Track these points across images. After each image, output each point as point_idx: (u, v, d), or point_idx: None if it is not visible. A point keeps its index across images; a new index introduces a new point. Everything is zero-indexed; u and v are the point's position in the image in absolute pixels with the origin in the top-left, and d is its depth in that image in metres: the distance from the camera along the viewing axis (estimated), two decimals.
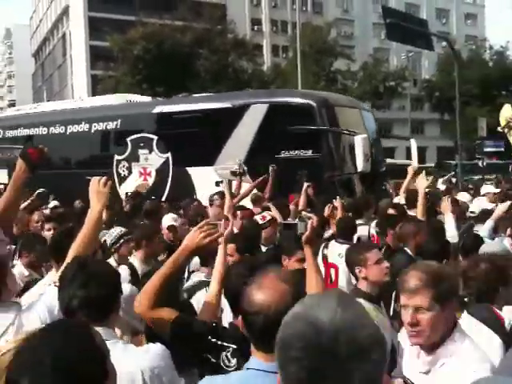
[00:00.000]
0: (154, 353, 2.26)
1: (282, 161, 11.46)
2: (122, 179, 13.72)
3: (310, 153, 11.25)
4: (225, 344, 2.36)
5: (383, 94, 47.37)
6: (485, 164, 32.80)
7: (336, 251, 5.95)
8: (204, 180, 12.24)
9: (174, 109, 13.06)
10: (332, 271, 5.99)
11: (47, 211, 9.46)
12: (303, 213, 7.86)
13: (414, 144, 12.92)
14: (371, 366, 1.11)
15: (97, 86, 44.98)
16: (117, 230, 5.18)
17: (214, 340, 2.37)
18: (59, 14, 56.59)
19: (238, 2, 53.01)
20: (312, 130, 11.12)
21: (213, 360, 2.33)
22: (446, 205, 6.18)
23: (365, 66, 48.95)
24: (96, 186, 2.97)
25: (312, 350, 1.09)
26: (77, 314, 2.20)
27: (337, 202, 6.99)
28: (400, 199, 7.74)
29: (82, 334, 1.40)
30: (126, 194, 12.49)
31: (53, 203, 10.06)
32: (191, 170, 12.66)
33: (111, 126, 13.78)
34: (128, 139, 13.49)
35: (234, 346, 2.29)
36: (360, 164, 10.67)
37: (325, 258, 6.09)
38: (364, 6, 58.34)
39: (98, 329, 1.83)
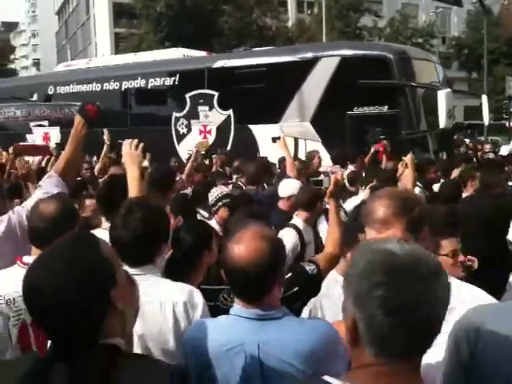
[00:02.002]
0: (187, 289, 2.36)
1: (355, 117, 11.06)
2: (181, 137, 13.36)
3: (385, 109, 10.78)
4: (217, 288, 2.64)
5: None
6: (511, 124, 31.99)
7: None
8: (268, 138, 11.84)
9: (237, 63, 12.57)
10: None
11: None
12: (328, 168, 7.51)
13: (485, 100, 12.37)
14: (444, 285, 1.22)
15: (120, 44, 44.21)
16: (217, 192, 4.85)
17: (204, 287, 2.61)
18: None
19: None
20: (391, 84, 10.63)
21: (211, 303, 2.54)
22: None
23: (392, 22, 47.53)
24: (128, 149, 2.96)
25: (396, 272, 1.19)
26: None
27: (408, 158, 6.42)
28: None
29: (89, 246, 1.51)
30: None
31: None
32: (254, 128, 12.26)
33: (169, 81, 13.34)
34: (187, 96, 13.07)
35: (228, 287, 2.37)
36: (443, 120, 10.20)
37: None
38: None
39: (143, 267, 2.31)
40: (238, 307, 1.97)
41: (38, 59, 74.23)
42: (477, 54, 42.67)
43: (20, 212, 2.71)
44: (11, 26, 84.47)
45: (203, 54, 15.27)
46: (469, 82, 51.87)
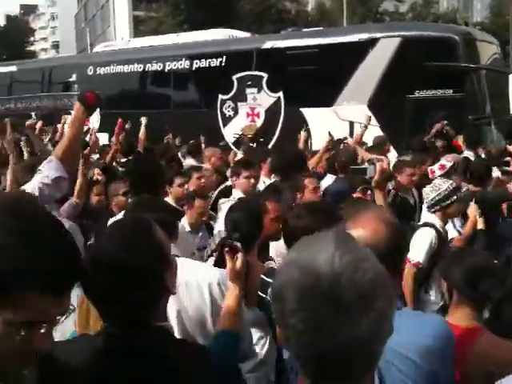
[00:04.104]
0: (218, 271, 2.43)
1: (416, 101, 10.60)
2: (227, 120, 12.94)
3: (450, 92, 10.30)
4: (269, 280, 2.56)
5: None
6: None
7: None
8: (321, 122, 11.39)
9: (288, 44, 12.09)
10: None
11: None
12: (373, 156, 7.10)
13: None
14: (376, 313, 1.01)
15: (139, 27, 43.84)
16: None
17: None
18: None
19: None
20: (457, 67, 10.13)
21: (263, 295, 2.62)
22: None
23: (414, 6, 46.84)
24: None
25: (310, 299, 1.00)
26: None
27: None
28: None
29: (144, 228, 1.58)
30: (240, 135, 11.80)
31: None
32: (306, 111, 11.80)
33: (215, 63, 12.89)
34: (234, 77, 12.63)
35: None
36: None
37: None
38: None
39: None
40: None
41: (57, 42, 73.89)
42: (501, 40, 41.95)
43: None
44: (30, 9, 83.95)
45: (247, 35, 14.83)
46: None
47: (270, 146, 11.57)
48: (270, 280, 2.52)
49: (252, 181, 5.16)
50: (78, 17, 63.76)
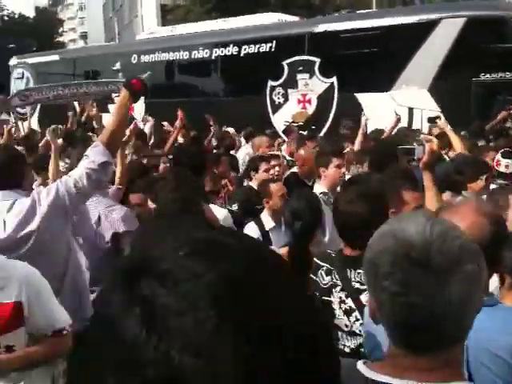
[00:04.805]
0: None
1: (482, 85, 10.08)
2: (277, 107, 12.53)
3: None
4: (320, 263, 2.60)
5: None
6: None
7: None
8: (377, 109, 10.90)
9: (343, 27, 11.60)
10: None
11: None
12: (422, 136, 6.60)
13: None
14: (465, 276, 1.05)
15: (166, 17, 43.60)
16: None
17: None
18: None
19: None
20: None
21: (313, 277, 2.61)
22: None
23: None
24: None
25: (403, 263, 1.06)
26: None
27: None
28: None
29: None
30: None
31: None
32: (361, 97, 11.32)
33: (264, 48, 12.47)
34: (284, 63, 12.20)
35: (328, 265, 2.52)
36: None
37: None
38: None
39: None
40: None
41: (86, 32, 74.17)
42: None
43: (68, 182, 2.74)
44: (59, 0, 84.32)
45: (296, 19, 14.36)
46: None
47: (322, 134, 11.16)
48: (323, 264, 2.58)
49: (343, 170, 4.76)
50: (105, 6, 63.86)
